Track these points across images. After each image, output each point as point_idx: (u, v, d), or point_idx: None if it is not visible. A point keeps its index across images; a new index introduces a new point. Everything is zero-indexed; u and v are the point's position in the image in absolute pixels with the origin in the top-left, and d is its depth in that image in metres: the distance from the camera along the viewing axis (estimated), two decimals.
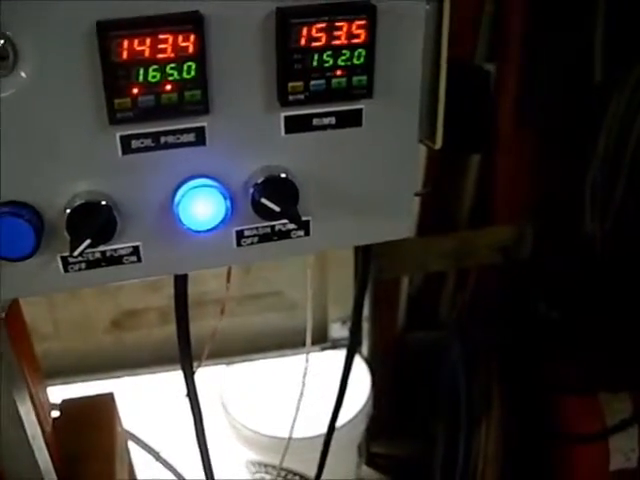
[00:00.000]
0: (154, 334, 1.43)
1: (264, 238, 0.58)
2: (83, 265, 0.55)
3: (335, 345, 1.60)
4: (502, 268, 1.61)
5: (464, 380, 1.52)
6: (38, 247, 0.51)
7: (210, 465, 0.84)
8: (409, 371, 1.66)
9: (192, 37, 0.49)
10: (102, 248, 0.55)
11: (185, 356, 0.73)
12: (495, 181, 1.54)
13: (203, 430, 0.80)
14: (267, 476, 1.52)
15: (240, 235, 0.57)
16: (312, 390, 1.54)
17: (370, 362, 1.59)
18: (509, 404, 1.49)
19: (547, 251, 1.58)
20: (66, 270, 0.55)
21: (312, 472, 1.45)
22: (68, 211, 0.52)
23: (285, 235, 0.59)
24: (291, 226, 0.58)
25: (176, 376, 1.45)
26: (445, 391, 1.58)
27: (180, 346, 0.72)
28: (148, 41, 0.48)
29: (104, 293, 1.37)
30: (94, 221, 0.52)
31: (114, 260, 0.56)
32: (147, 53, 0.48)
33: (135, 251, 0.56)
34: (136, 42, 0.48)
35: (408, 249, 1.56)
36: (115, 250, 0.55)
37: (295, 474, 1.49)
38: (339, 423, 1.07)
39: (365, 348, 1.61)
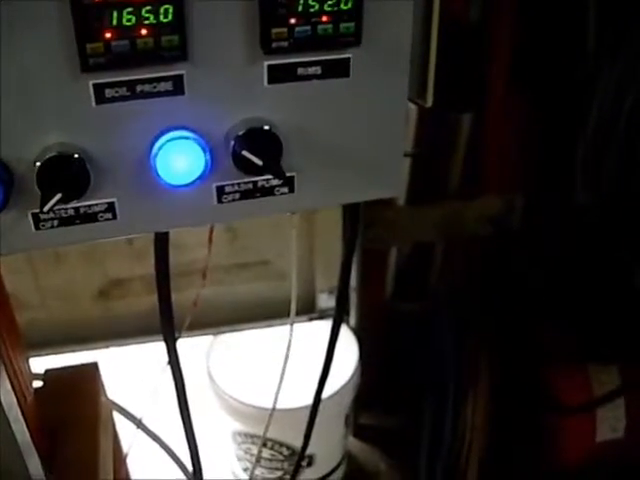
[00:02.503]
0: (140, 303, 1.40)
1: (246, 194, 0.56)
2: (55, 222, 0.52)
3: (323, 315, 1.58)
4: (492, 238, 1.59)
5: (452, 350, 1.51)
6: (6, 203, 0.48)
7: (193, 433, 0.83)
8: (397, 342, 1.64)
9: None
10: (75, 204, 0.52)
11: (166, 321, 0.71)
12: (486, 150, 1.51)
13: (186, 399, 0.78)
14: (254, 447, 1.51)
15: (221, 191, 0.55)
16: (299, 361, 1.53)
17: (358, 332, 1.57)
18: (497, 374, 1.49)
19: (538, 221, 1.57)
20: (37, 227, 0.52)
21: (298, 443, 1.44)
22: (38, 164, 0.49)
23: (268, 192, 0.56)
24: (274, 182, 0.56)
25: (163, 346, 1.44)
26: (433, 361, 1.57)
27: (161, 310, 0.70)
28: None
29: (89, 262, 1.34)
30: (65, 175, 0.49)
31: (88, 217, 0.53)
32: None
33: (110, 208, 0.53)
34: None
35: (397, 218, 1.54)
36: (89, 207, 0.53)
37: (282, 445, 1.48)
38: (326, 394, 1.06)
39: (353, 318, 1.60)
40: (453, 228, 1.58)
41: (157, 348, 1.46)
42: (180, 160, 0.50)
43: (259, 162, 0.50)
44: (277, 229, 1.44)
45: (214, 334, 1.54)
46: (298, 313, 1.58)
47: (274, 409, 0.90)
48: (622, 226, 1.50)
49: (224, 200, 0.55)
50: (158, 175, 0.51)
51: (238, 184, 0.55)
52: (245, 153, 0.50)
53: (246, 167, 0.51)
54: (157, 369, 1.47)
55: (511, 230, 1.59)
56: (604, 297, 1.51)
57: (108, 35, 0.46)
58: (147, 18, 0.47)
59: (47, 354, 1.33)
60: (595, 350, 1.49)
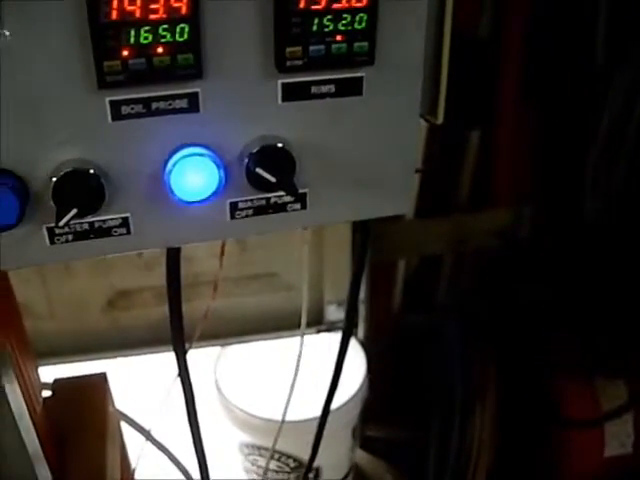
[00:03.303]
0: (149, 314, 1.41)
1: (259, 211, 0.56)
2: (70, 237, 0.53)
3: (331, 327, 1.58)
4: (500, 251, 1.59)
5: (460, 363, 1.50)
6: (22, 217, 0.49)
7: (202, 445, 0.83)
8: (405, 354, 1.64)
9: None
10: (90, 219, 0.53)
11: (177, 333, 0.72)
12: (495, 162, 1.52)
13: (195, 410, 0.79)
14: (260, 459, 1.51)
15: (234, 207, 0.55)
16: (307, 373, 1.53)
17: (366, 345, 1.57)
18: (505, 388, 1.48)
19: (547, 234, 1.57)
20: (52, 242, 0.53)
21: (306, 455, 1.44)
22: (54, 180, 0.49)
23: (281, 208, 0.57)
24: (287, 199, 0.56)
25: (171, 357, 1.44)
26: (441, 374, 1.57)
27: (172, 323, 0.70)
28: (139, 0, 0.46)
29: (99, 272, 1.35)
30: (81, 190, 0.49)
31: (102, 232, 0.54)
32: (138, 13, 0.46)
33: (124, 223, 0.54)
34: (126, 1, 0.46)
35: (406, 231, 1.54)
36: (104, 221, 0.53)
37: (289, 457, 1.48)
38: (334, 406, 1.06)
39: (361, 331, 1.60)
40: (461, 241, 1.58)
41: (165, 359, 1.46)
42: (194, 177, 0.51)
43: (272, 179, 0.51)
44: (286, 241, 1.45)
45: (222, 345, 1.54)
46: (307, 326, 1.58)
47: (284, 421, 0.90)
48: (632, 237, 1.50)
49: (237, 216, 0.56)
50: (172, 192, 0.51)
51: (251, 200, 0.55)
52: (259, 170, 0.50)
53: (259, 184, 0.52)
54: (165, 380, 1.47)
55: (519, 243, 1.59)
56: (612, 309, 1.51)
57: (125, 53, 0.47)
58: (164, 36, 0.47)
59: (55, 364, 1.34)
60: (602, 364, 1.48)
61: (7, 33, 0.46)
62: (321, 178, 0.56)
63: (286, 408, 0.87)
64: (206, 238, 0.57)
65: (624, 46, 1.39)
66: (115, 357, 1.43)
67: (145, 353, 1.46)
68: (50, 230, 0.52)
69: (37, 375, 0.88)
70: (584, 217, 1.51)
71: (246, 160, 0.52)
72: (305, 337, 1.60)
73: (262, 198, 0.55)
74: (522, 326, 1.56)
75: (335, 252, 1.48)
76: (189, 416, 0.79)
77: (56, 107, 0.49)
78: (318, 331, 1.59)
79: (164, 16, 0.47)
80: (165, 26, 0.47)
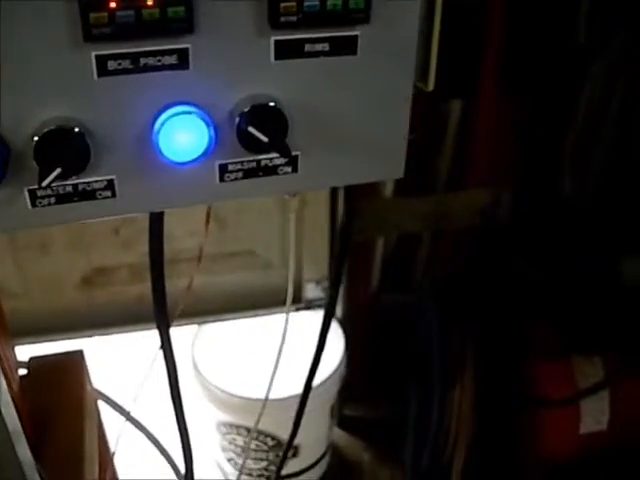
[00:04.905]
0: (126, 292, 1.39)
1: (249, 173, 0.54)
2: (52, 199, 0.51)
3: (309, 306, 1.57)
4: (478, 230, 1.59)
5: (438, 342, 1.50)
6: (2, 178, 0.47)
7: (185, 422, 0.81)
8: (383, 333, 1.64)
9: None
10: (74, 181, 0.50)
11: (160, 307, 0.70)
12: (474, 142, 1.51)
13: (178, 387, 0.77)
14: (239, 437, 1.50)
15: (223, 169, 0.54)
16: (285, 351, 1.52)
17: (344, 323, 1.57)
18: (483, 366, 1.49)
19: (525, 215, 1.57)
20: (34, 204, 0.51)
21: (284, 433, 1.44)
22: (36, 138, 0.47)
23: (271, 171, 0.55)
24: (278, 161, 0.54)
25: (148, 336, 1.42)
26: (419, 353, 1.57)
27: (154, 296, 0.68)
28: None
29: (75, 250, 1.32)
30: (65, 149, 0.47)
31: (87, 195, 0.51)
32: None
33: (109, 185, 0.52)
34: None
35: (385, 210, 1.53)
36: (88, 184, 0.51)
37: (267, 435, 1.47)
38: (313, 384, 1.05)
39: (339, 309, 1.59)
40: (440, 220, 1.57)
41: (141, 337, 1.45)
42: (183, 136, 0.49)
43: (265, 139, 0.49)
44: (264, 219, 1.43)
45: (199, 323, 1.53)
46: (283, 303, 1.57)
47: (267, 399, 0.89)
48: (609, 218, 1.51)
49: (226, 179, 0.54)
50: (160, 152, 0.49)
51: (241, 162, 0.54)
52: (251, 129, 0.49)
53: (251, 144, 0.50)
54: (141, 358, 1.45)
55: (498, 222, 1.59)
56: (587, 289, 1.51)
57: (113, 4, 0.45)
58: None
59: (31, 343, 1.31)
60: (579, 342, 1.49)
61: None
62: (313, 140, 0.54)
63: (270, 387, 0.86)
64: (194, 201, 0.56)
65: (606, 26, 1.39)
66: (91, 336, 1.41)
67: (122, 332, 1.44)
68: (32, 192, 0.50)
69: (13, 353, 0.86)
70: (562, 198, 1.52)
71: (237, 119, 0.50)
72: (283, 315, 1.59)
73: (252, 160, 0.54)
74: (499, 305, 1.56)
75: (313, 231, 1.47)
76: (172, 393, 0.77)
77: (39, 61, 0.46)
78: (297, 309, 1.58)
79: None
80: None
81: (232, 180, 0.54)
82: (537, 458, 1.52)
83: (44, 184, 0.46)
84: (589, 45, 1.41)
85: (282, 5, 0.48)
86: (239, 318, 1.52)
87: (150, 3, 0.46)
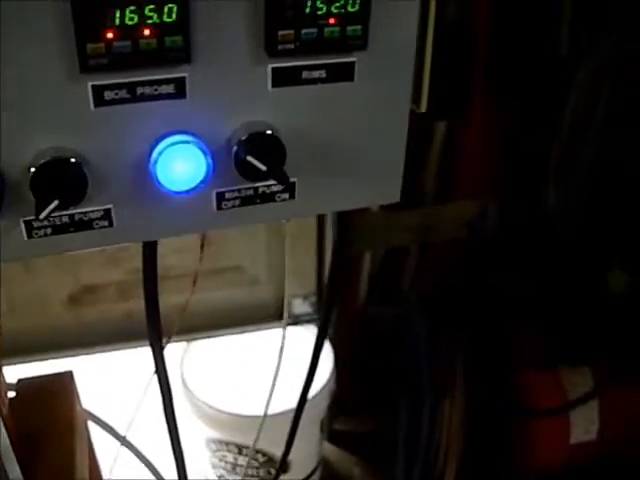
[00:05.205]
0: (114, 310, 1.37)
1: (246, 201, 0.54)
2: (49, 230, 0.50)
3: (296, 321, 1.57)
4: (465, 243, 1.59)
5: (427, 354, 1.51)
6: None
7: (179, 444, 0.81)
8: (371, 346, 1.64)
9: None
10: (70, 211, 0.50)
11: (153, 330, 0.69)
12: (459, 155, 1.52)
13: (173, 409, 0.76)
14: (229, 454, 1.49)
15: (221, 197, 0.53)
16: (273, 367, 1.51)
17: (332, 337, 1.56)
18: (472, 378, 1.49)
19: (511, 226, 1.57)
20: (30, 236, 0.50)
21: (275, 449, 1.43)
22: (33, 169, 0.46)
23: (269, 198, 0.55)
24: (275, 188, 0.54)
25: (136, 354, 1.41)
26: (408, 366, 1.57)
27: (148, 320, 0.68)
28: None
29: (61, 268, 1.30)
30: (62, 180, 0.47)
31: (83, 225, 0.51)
32: None
33: (106, 215, 0.51)
34: None
35: (371, 224, 1.53)
36: (85, 214, 0.51)
37: (258, 452, 1.46)
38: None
39: None
40: (428, 232, 1.58)
41: (130, 356, 1.43)
42: (181, 166, 0.48)
43: (263, 167, 0.49)
44: (250, 234, 1.43)
45: (187, 341, 1.51)
46: (271, 319, 1.57)
47: (265, 415, 0.89)
48: (594, 230, 1.52)
49: (224, 207, 0.54)
50: (158, 181, 0.49)
51: (239, 190, 0.53)
52: (249, 158, 0.48)
53: (249, 173, 0.50)
54: (131, 376, 1.44)
55: (484, 235, 1.60)
56: (574, 299, 1.52)
57: (110, 35, 0.45)
58: (150, 17, 0.45)
59: (17, 363, 1.30)
60: (567, 352, 1.50)
61: None
62: (310, 166, 0.54)
63: (268, 403, 0.86)
64: (191, 230, 0.55)
65: (588, 38, 1.40)
66: (79, 355, 1.39)
67: (110, 350, 1.42)
68: (28, 224, 0.49)
69: (2, 376, 0.85)
70: (547, 209, 1.53)
71: (235, 148, 0.50)
72: (270, 331, 1.59)
73: (250, 188, 0.53)
74: (488, 317, 1.57)
75: (299, 246, 1.46)
76: (166, 415, 0.76)
77: (34, 92, 0.46)
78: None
79: None
80: (152, 6, 0.44)
81: (229, 208, 0.54)
82: (528, 469, 1.52)
83: (41, 217, 0.46)
84: (571, 58, 1.42)
85: (280, 33, 0.48)
86: (227, 334, 1.51)
87: (147, 33, 0.45)
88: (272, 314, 1.56)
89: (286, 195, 0.55)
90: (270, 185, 0.54)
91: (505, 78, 1.43)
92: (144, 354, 1.41)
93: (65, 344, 1.36)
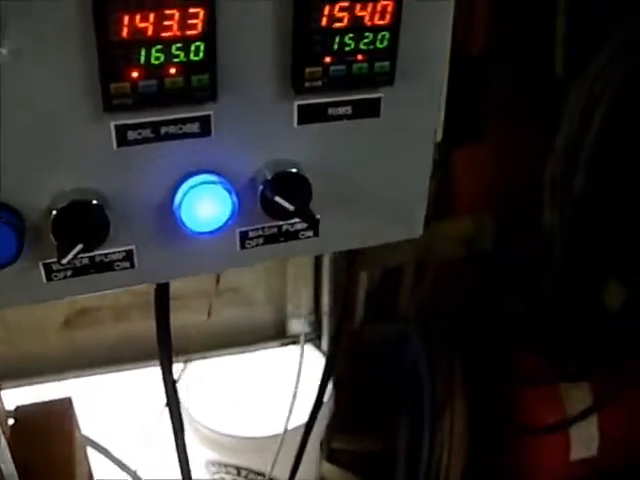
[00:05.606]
0: (108, 332, 1.35)
1: (270, 239, 0.53)
2: (69, 272, 0.48)
3: (294, 341, 1.56)
4: (463, 260, 1.59)
5: (427, 372, 1.49)
6: (19, 255, 0.44)
7: (189, 472, 0.79)
8: (369, 364, 1.63)
9: (201, 13, 0.43)
10: (91, 253, 0.48)
11: (166, 364, 0.68)
12: (456, 172, 1.51)
13: (184, 444, 0.75)
14: (227, 476, 1.47)
15: (244, 236, 0.52)
16: (272, 387, 1.50)
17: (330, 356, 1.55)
18: (472, 396, 1.48)
19: (508, 243, 1.57)
20: (49, 279, 0.48)
21: (271, 469, 1.41)
22: (54, 212, 0.45)
23: (292, 236, 0.53)
24: (299, 226, 0.53)
25: (130, 376, 1.39)
26: (406, 384, 1.56)
27: (161, 355, 0.66)
28: (152, 17, 0.42)
29: None
30: (84, 223, 0.45)
31: (104, 266, 0.49)
32: (150, 31, 0.42)
33: (128, 256, 0.49)
34: (138, 18, 0.42)
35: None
36: (106, 255, 0.49)
37: (258, 473, 1.44)
38: (301, 420, 1.04)
39: (324, 342, 1.57)
40: (424, 250, 1.57)
41: (124, 378, 1.42)
42: (207, 207, 0.47)
43: (291, 208, 0.48)
44: None
45: (184, 362, 1.49)
46: (269, 339, 1.56)
47: (285, 432, 0.87)
48: (589, 245, 1.52)
49: (247, 245, 0.52)
50: (182, 222, 0.47)
51: (262, 228, 0.52)
52: (278, 199, 0.47)
53: (276, 212, 0.49)
54: (127, 399, 1.42)
55: (481, 252, 1.59)
56: (572, 315, 1.52)
57: (135, 74, 0.43)
58: (177, 56, 0.43)
59: (14, 387, 1.28)
60: (565, 368, 1.50)
61: (3, 52, 0.41)
62: (334, 203, 0.53)
63: (288, 423, 0.84)
64: (213, 270, 0.54)
65: (582, 58, 1.40)
66: (74, 377, 1.37)
67: (105, 372, 1.41)
68: (47, 266, 0.48)
69: (2, 403, 0.83)
70: (543, 227, 1.53)
71: (261, 187, 0.48)
72: (268, 351, 1.57)
73: (274, 226, 0.52)
74: (486, 333, 1.56)
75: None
76: (178, 449, 0.75)
77: (56, 132, 0.44)
78: (282, 344, 1.56)
79: (178, 34, 0.43)
80: (179, 45, 0.43)
81: (253, 247, 0.52)
82: None
83: (64, 261, 0.44)
84: (566, 76, 1.43)
85: (307, 70, 0.47)
86: (225, 355, 1.49)
87: (173, 72, 0.44)
88: (270, 334, 1.55)
89: (310, 232, 0.54)
90: (294, 223, 0.53)
91: (502, 96, 1.43)
92: (137, 376, 1.40)
93: (60, 367, 1.33)
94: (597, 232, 1.51)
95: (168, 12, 0.42)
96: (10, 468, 0.70)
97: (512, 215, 1.56)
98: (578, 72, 1.41)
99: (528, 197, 1.54)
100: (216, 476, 1.49)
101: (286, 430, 1.22)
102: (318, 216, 0.53)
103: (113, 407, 1.45)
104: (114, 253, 0.49)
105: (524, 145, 1.50)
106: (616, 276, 1.54)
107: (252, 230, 0.52)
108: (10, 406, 0.89)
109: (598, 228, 1.51)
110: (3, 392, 0.87)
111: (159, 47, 0.43)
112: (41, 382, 1.31)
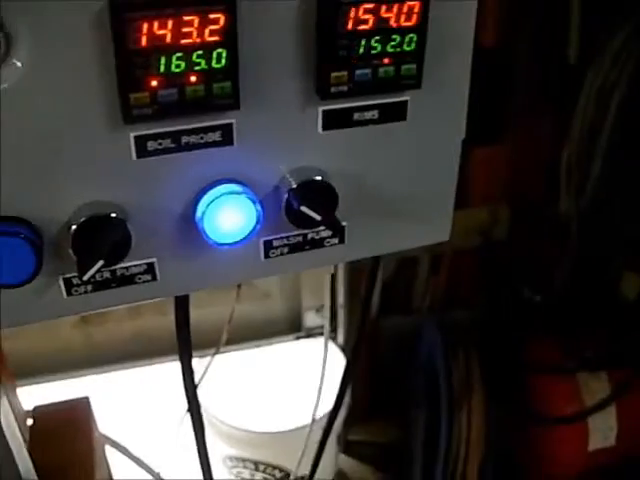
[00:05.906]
0: (123, 329, 1.35)
1: (295, 248, 0.51)
2: (89, 287, 0.47)
3: (309, 334, 1.55)
4: (478, 250, 1.57)
5: (443, 363, 1.48)
6: (39, 271, 0.43)
7: (209, 468, 0.79)
8: (385, 357, 1.62)
9: (222, 19, 0.41)
10: (112, 267, 0.47)
11: (187, 372, 0.67)
12: (471, 162, 1.49)
13: (205, 446, 0.74)
14: (245, 471, 1.47)
15: (269, 246, 0.50)
16: (288, 381, 1.49)
17: (345, 349, 1.54)
18: (490, 386, 1.47)
19: (523, 232, 1.55)
20: (69, 293, 0.47)
21: (291, 465, 1.40)
22: (74, 227, 0.43)
23: (318, 244, 0.52)
24: (325, 234, 0.51)
25: (145, 372, 1.38)
26: (423, 376, 1.55)
27: (182, 365, 0.65)
28: (171, 24, 0.40)
29: None
30: (105, 238, 0.44)
31: (125, 280, 0.48)
32: (169, 38, 0.41)
33: (150, 269, 0.48)
34: (156, 25, 0.40)
35: None
36: (127, 268, 0.48)
37: (275, 467, 1.44)
38: (320, 414, 1.03)
39: (340, 336, 1.56)
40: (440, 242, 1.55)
41: (139, 374, 1.41)
42: (231, 218, 0.45)
43: (318, 217, 0.46)
44: None
45: (199, 357, 1.49)
46: (284, 332, 1.54)
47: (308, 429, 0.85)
48: (606, 233, 1.50)
49: (271, 255, 0.51)
50: (205, 234, 0.46)
51: (287, 237, 0.50)
52: (304, 209, 0.45)
53: (301, 221, 0.47)
54: (142, 395, 1.42)
55: (497, 242, 1.58)
56: (590, 305, 1.51)
57: (154, 83, 0.42)
58: (198, 64, 0.42)
59: (29, 384, 1.27)
60: (584, 358, 1.48)
61: (19, 64, 0.40)
62: (360, 209, 0.51)
63: (312, 416, 0.83)
64: (237, 280, 0.53)
65: (596, 46, 1.38)
66: (90, 374, 1.37)
67: (120, 369, 1.40)
68: (67, 281, 0.46)
69: (21, 404, 0.83)
70: (559, 216, 1.51)
71: (286, 196, 0.47)
72: (284, 344, 1.56)
73: (299, 234, 0.51)
74: (504, 324, 1.55)
75: None
76: (199, 453, 0.74)
77: (74, 144, 0.43)
78: (297, 338, 1.55)
79: (198, 41, 0.41)
80: (200, 52, 0.41)
81: (277, 256, 0.51)
82: (547, 476, 1.50)
83: (85, 278, 0.43)
84: (580, 64, 1.41)
85: (333, 75, 0.45)
86: (239, 349, 1.48)
87: (194, 80, 0.42)
88: (285, 327, 1.54)
89: (336, 240, 0.52)
90: (319, 231, 0.51)
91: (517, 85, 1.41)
92: (153, 372, 1.39)
93: (76, 364, 1.33)
94: (613, 220, 1.49)
95: (187, 19, 0.40)
96: (29, 468, 0.70)
97: (528, 205, 1.55)
98: (593, 58, 1.39)
99: (544, 186, 1.52)
100: (234, 470, 1.49)
101: (313, 420, 1.20)
102: (344, 223, 0.51)
103: (130, 404, 1.45)
104: (135, 266, 0.48)
105: (539, 135, 1.47)
106: (632, 266, 1.52)
107: (276, 239, 0.50)
108: (26, 403, 0.88)
109: (614, 216, 1.49)
110: (19, 389, 0.87)
111: (179, 55, 0.41)
112: (57, 379, 1.30)
